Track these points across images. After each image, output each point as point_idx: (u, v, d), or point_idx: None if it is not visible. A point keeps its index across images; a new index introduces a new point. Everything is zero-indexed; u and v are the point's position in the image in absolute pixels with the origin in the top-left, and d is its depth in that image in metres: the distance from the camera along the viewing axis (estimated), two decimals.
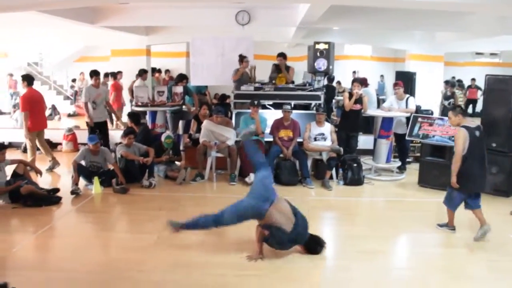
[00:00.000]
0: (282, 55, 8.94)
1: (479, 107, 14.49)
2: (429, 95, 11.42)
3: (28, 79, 7.96)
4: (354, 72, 16.32)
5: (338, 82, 13.69)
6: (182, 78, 9.28)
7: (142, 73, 10.49)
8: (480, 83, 7.26)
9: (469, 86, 17.08)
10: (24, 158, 7.41)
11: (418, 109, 8.64)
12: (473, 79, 16.90)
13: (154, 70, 13.22)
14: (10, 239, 5.19)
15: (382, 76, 17.89)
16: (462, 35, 10.95)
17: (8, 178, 6.48)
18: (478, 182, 5.14)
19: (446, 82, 12.36)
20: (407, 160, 8.57)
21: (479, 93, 15.66)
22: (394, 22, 9.45)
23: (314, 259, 4.59)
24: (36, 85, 15.10)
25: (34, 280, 4.09)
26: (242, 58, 8.80)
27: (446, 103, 10.65)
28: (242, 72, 8.74)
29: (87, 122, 8.53)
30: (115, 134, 9.21)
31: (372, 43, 14.66)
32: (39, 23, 10.28)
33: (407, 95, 8.13)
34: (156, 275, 4.17)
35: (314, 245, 4.61)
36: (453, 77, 16.88)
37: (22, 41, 14.29)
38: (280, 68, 8.90)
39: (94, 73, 8.43)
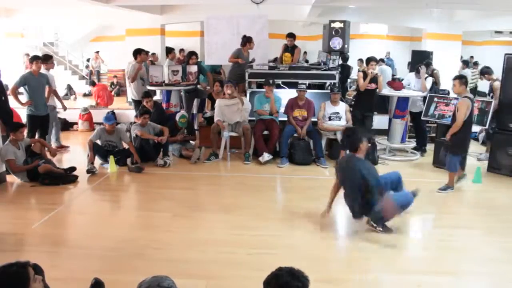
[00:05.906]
0: (291, 36, 8.93)
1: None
2: (446, 74, 11.25)
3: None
4: (388, 52, 16.20)
5: (361, 60, 13.19)
6: (191, 55, 9.25)
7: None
8: (499, 62, 7.12)
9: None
10: None
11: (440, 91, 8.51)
12: (472, 57, 16.32)
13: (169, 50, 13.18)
14: (30, 216, 5.31)
15: (388, 53, 17.58)
16: (481, 13, 10.72)
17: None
18: (468, 144, 6.36)
19: (464, 62, 12.12)
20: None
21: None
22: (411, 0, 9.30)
23: (326, 239, 4.63)
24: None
25: (53, 256, 4.19)
26: (249, 40, 8.56)
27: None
28: (238, 54, 8.56)
29: (134, 100, 8.65)
30: (131, 113, 9.29)
31: (388, 21, 14.41)
32: (55, 3, 10.30)
33: (427, 75, 7.99)
34: (171, 253, 4.23)
35: None
36: (471, 57, 16.59)
37: (38, 21, 14.37)
38: (288, 48, 8.88)
39: (144, 52, 8.62)
